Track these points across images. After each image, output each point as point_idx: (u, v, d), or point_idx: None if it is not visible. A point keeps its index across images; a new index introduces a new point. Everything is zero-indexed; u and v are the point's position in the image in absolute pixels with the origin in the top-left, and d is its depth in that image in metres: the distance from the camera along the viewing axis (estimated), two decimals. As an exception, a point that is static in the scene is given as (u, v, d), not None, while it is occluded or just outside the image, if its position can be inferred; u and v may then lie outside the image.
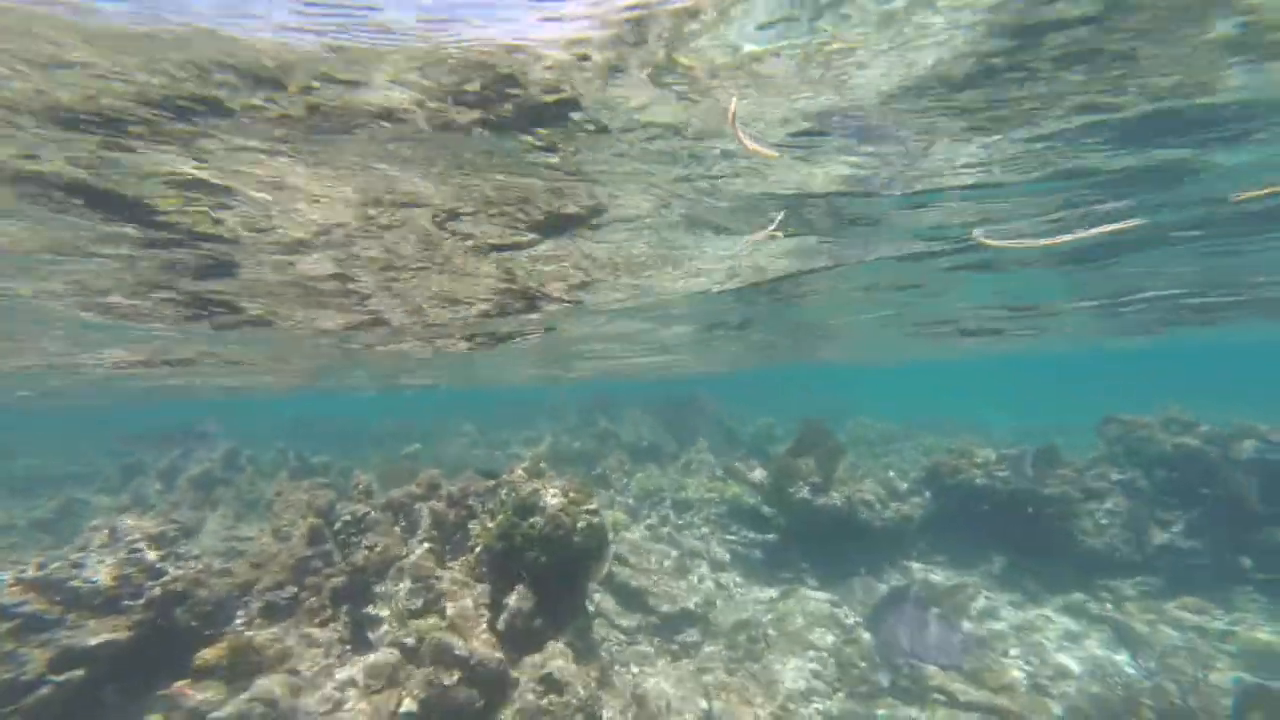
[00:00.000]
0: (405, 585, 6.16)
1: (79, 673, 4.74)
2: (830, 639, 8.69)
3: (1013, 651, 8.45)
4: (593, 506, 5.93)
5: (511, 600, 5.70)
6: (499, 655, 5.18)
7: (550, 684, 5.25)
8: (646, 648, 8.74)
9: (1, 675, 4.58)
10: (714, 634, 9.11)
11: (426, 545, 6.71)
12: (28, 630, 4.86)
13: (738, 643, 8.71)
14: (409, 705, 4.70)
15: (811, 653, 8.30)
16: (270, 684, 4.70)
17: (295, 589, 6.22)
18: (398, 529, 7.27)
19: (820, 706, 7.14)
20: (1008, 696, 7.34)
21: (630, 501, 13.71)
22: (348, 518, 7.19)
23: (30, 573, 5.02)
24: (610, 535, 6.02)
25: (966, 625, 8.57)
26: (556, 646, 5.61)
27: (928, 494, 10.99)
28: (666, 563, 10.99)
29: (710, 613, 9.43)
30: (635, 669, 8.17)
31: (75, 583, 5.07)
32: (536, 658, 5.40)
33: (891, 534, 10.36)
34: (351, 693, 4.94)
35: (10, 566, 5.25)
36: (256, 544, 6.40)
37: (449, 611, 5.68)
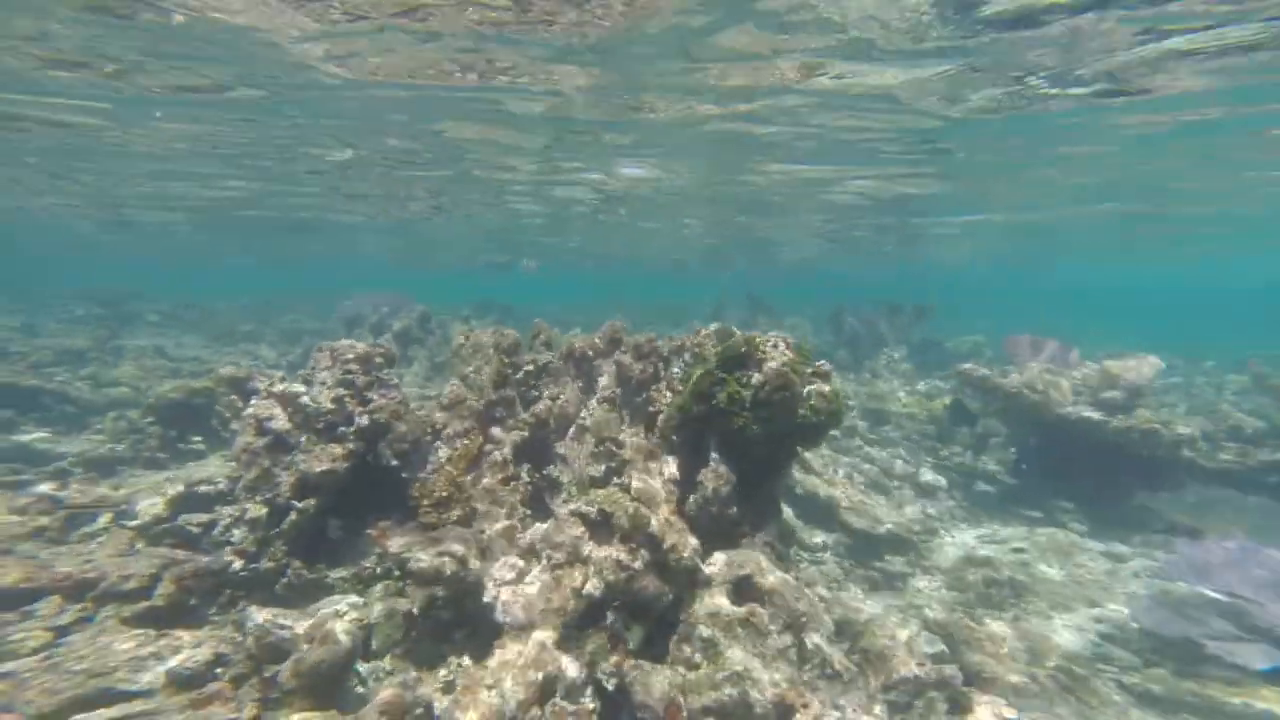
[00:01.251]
0: (586, 447, 5.38)
1: (312, 501, 4.70)
2: (1120, 597, 6.33)
3: None
4: (828, 369, 4.37)
5: (706, 479, 4.55)
6: (694, 543, 4.11)
7: (749, 589, 4.10)
8: (836, 570, 7.36)
9: (266, 494, 4.66)
10: (930, 569, 7.37)
11: (607, 404, 5.86)
12: (277, 449, 4.93)
13: (967, 583, 6.87)
14: (592, 586, 3.88)
15: (1095, 610, 6.14)
16: (460, 543, 4.19)
17: (481, 438, 5.83)
18: (577, 385, 6.55)
19: (1127, 681, 5.10)
20: None
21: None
22: (529, 367, 6.62)
23: (276, 386, 5.03)
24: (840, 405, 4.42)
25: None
26: (755, 545, 4.41)
27: None
28: (857, 477, 9.28)
29: (924, 542, 7.64)
30: (824, 592, 6.88)
31: (305, 399, 5.00)
32: (733, 555, 4.26)
33: (1235, 485, 7.25)
34: (533, 563, 4.30)
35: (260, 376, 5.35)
36: (446, 389, 6.07)
37: (633, 484, 4.74)
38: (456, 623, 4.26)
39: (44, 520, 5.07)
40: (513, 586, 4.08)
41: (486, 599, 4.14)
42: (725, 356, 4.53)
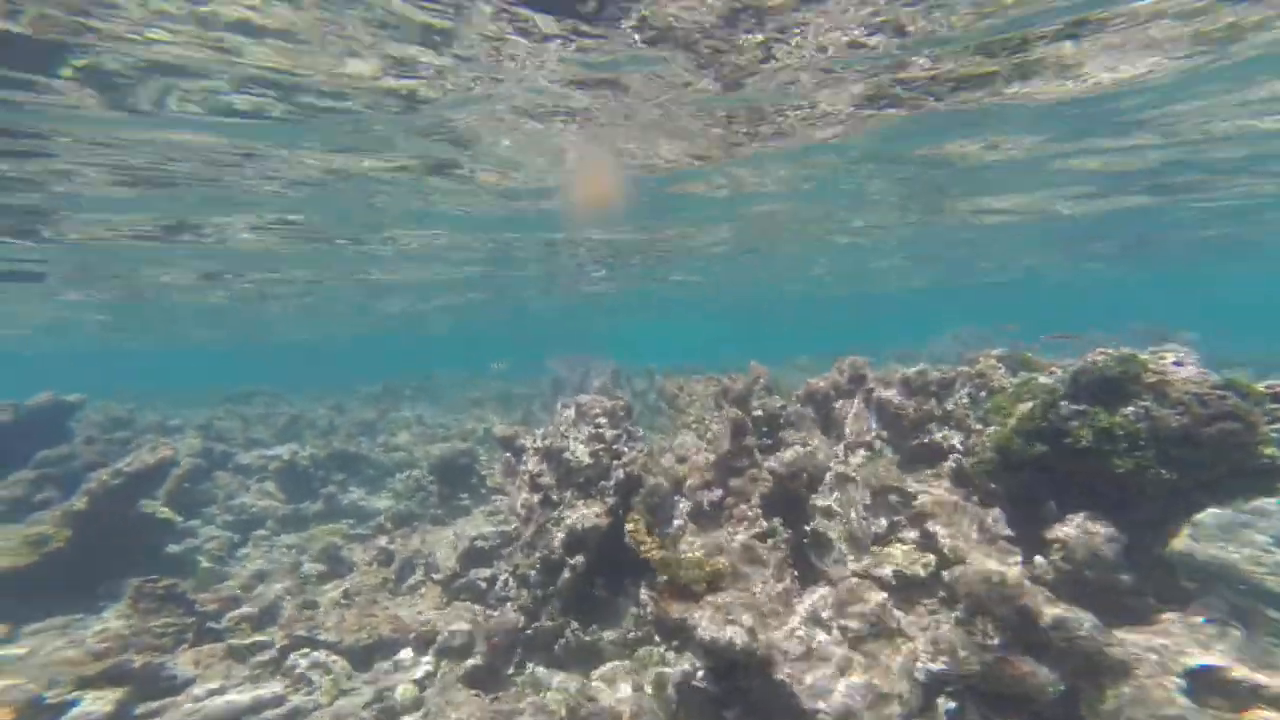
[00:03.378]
0: (858, 498, 4.51)
1: (581, 558, 4.72)
2: None
3: None
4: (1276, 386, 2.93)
5: (1072, 538, 3.32)
6: (1088, 617, 2.93)
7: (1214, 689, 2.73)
8: None
9: (541, 550, 4.85)
10: None
11: (867, 449, 4.94)
12: (546, 505, 5.14)
13: None
14: (940, 665, 2.95)
15: None
16: (748, 611, 3.68)
17: (722, 492, 5.38)
18: (818, 429, 5.76)
19: None
20: None
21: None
22: (759, 413, 6.05)
23: (539, 441, 5.31)
24: None
25: None
26: (1198, 627, 3.01)
27: None
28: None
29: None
30: None
31: (566, 455, 5.15)
32: (1153, 638, 2.93)
33: None
34: (819, 633, 3.55)
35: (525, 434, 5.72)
36: (673, 441, 5.84)
37: (945, 544, 3.72)
38: (726, 700, 3.69)
39: (386, 573, 5.94)
40: (813, 664, 3.35)
41: (780, 677, 3.48)
42: (1082, 384, 3.35)
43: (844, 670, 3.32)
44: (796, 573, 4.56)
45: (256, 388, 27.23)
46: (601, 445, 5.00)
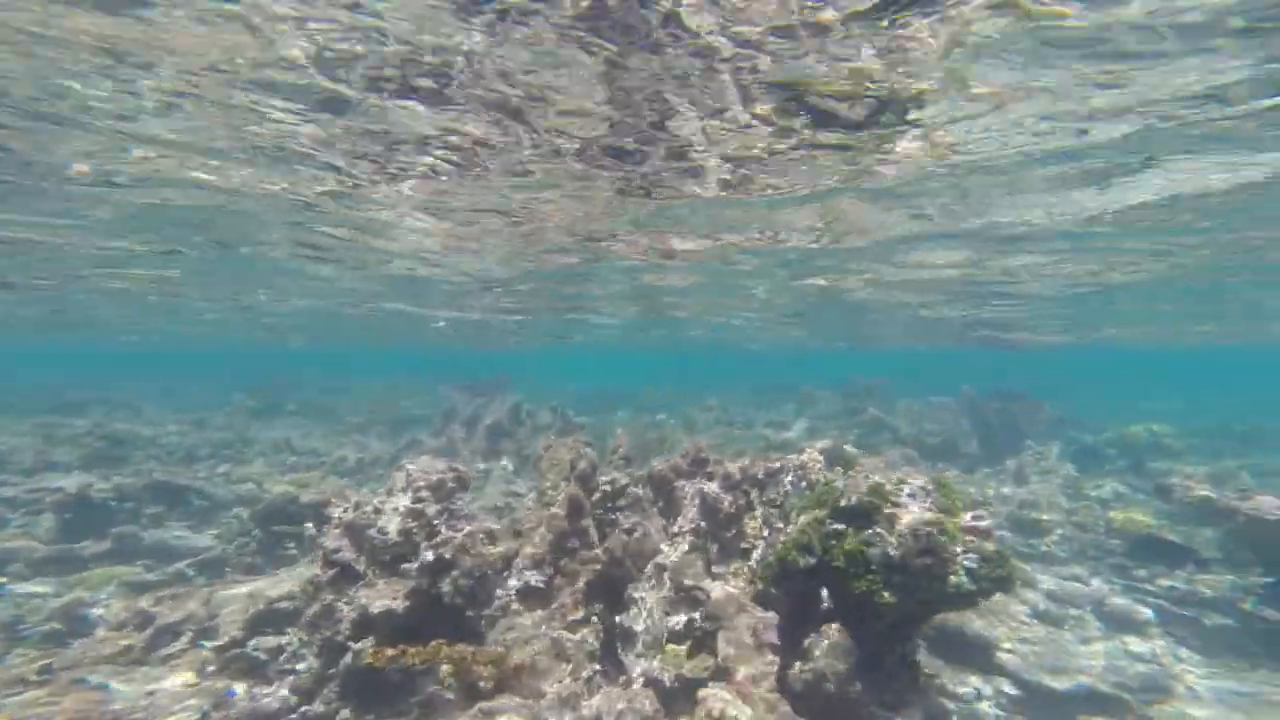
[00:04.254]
0: (664, 594, 4.58)
1: (370, 641, 4.38)
2: None
3: None
4: (987, 525, 3.31)
5: (818, 652, 3.54)
6: None
7: None
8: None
9: (325, 631, 4.45)
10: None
11: (689, 541, 5.07)
12: (344, 580, 4.76)
13: None
14: None
15: None
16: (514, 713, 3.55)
17: (551, 572, 5.27)
18: (656, 509, 5.85)
19: None
20: None
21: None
22: (607, 488, 6.07)
23: (346, 514, 4.94)
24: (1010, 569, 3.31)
25: None
26: None
27: None
28: (1018, 606, 7.38)
29: (1144, 703, 5.62)
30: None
31: (373, 531, 4.83)
32: None
33: None
34: None
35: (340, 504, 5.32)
36: (523, 507, 5.70)
37: (721, 649, 3.84)
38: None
39: (133, 639, 5.18)
40: None
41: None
42: (843, 508, 3.64)
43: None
44: (600, 668, 4.53)
45: (104, 394, 23.85)
46: (416, 523, 4.76)
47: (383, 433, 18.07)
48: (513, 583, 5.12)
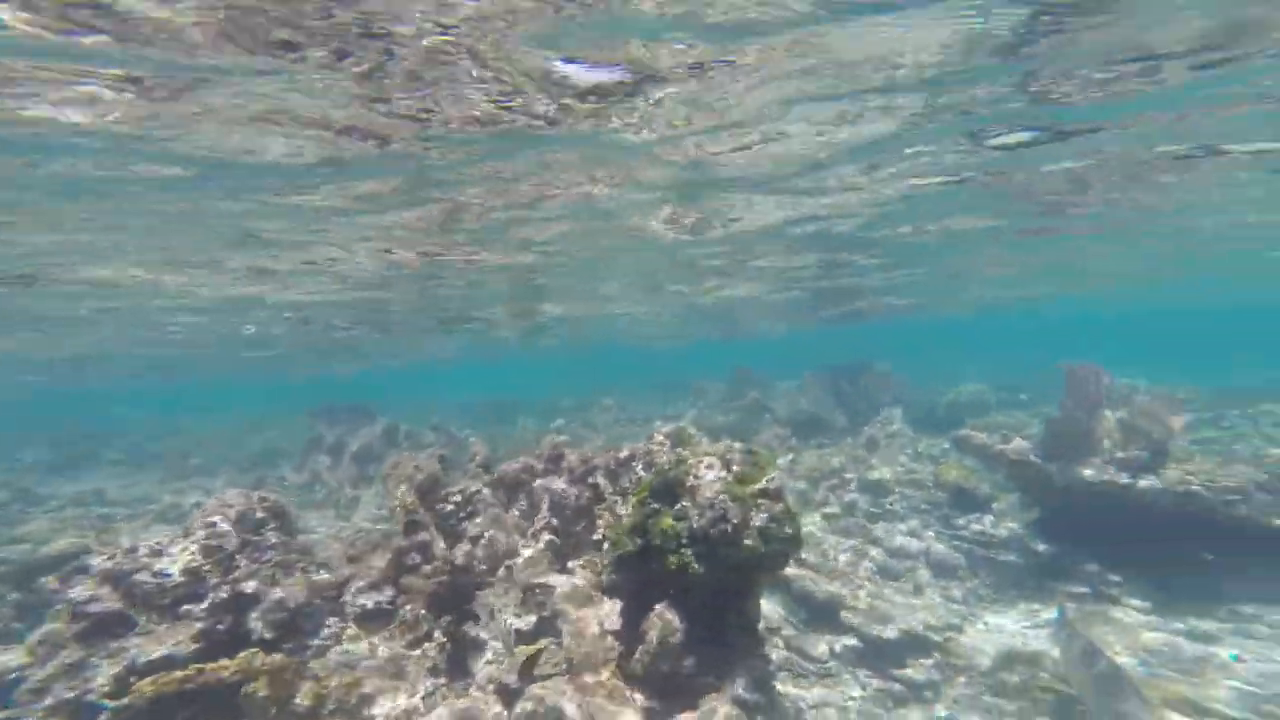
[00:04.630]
0: (513, 597, 4.48)
1: (146, 694, 3.75)
2: (1224, 693, 5.10)
3: None
4: (770, 484, 3.60)
5: (651, 631, 3.65)
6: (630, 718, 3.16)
7: None
8: (853, 688, 6.16)
9: (65, 691, 3.74)
10: (963, 671, 6.17)
11: (544, 540, 5.02)
12: (101, 633, 4.05)
13: (1009, 687, 5.68)
14: None
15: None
16: None
17: (393, 592, 4.94)
18: (514, 513, 5.72)
19: None
20: None
21: (799, 484, 11.03)
22: (458, 498, 5.83)
23: (106, 562, 4.22)
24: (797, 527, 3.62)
25: None
26: (721, 700, 3.44)
27: None
28: (865, 563, 8.20)
29: (950, 639, 6.47)
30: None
31: (145, 575, 4.17)
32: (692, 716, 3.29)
33: None
34: None
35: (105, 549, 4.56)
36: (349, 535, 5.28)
37: (566, 641, 3.83)
38: None
39: None
40: None
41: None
42: (655, 485, 3.78)
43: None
44: (444, 682, 4.31)
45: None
46: (209, 560, 4.22)
47: (233, 473, 16.00)
48: (349, 608, 4.74)
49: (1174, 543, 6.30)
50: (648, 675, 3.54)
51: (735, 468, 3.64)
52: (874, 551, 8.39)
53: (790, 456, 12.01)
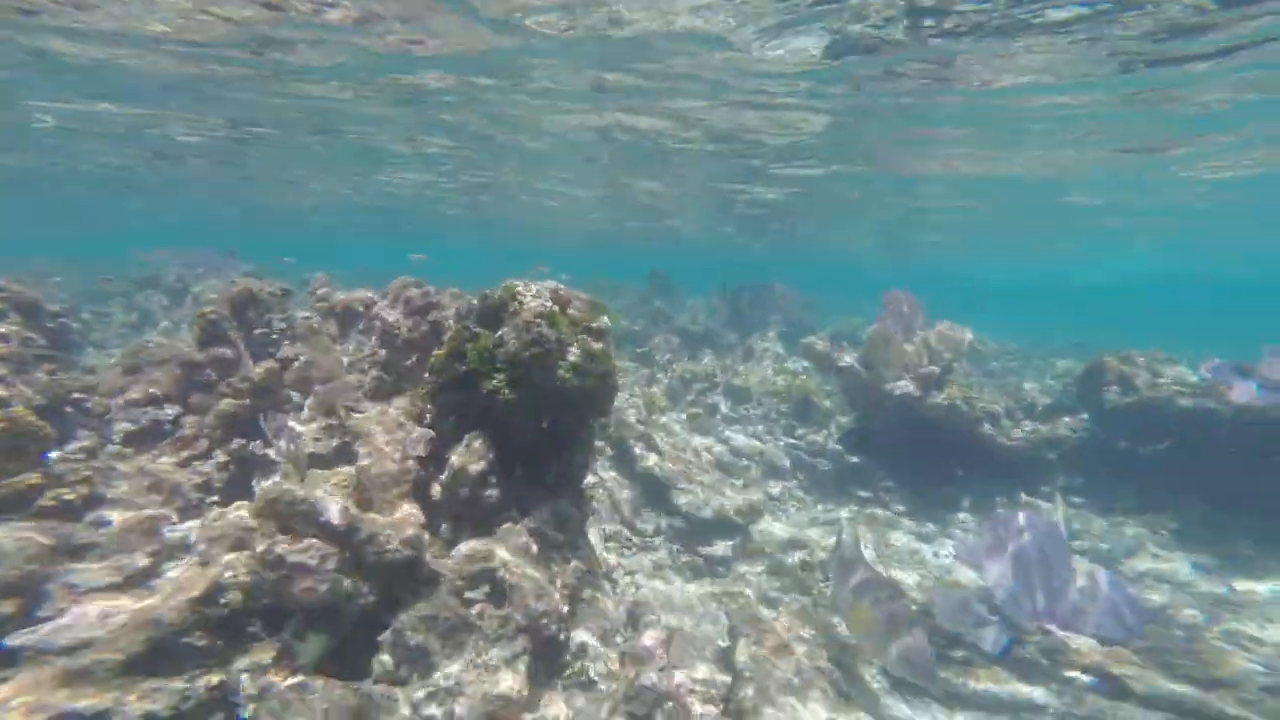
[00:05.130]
0: (317, 422, 4.14)
1: None
2: (914, 579, 6.31)
3: (1216, 630, 5.64)
4: (600, 325, 3.49)
5: (455, 456, 3.55)
6: (409, 534, 3.10)
7: (488, 584, 3.20)
8: (663, 555, 6.76)
9: None
10: (755, 552, 7.00)
11: (371, 373, 4.64)
12: None
13: (784, 567, 6.54)
14: (232, 581, 2.72)
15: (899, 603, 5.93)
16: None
17: (180, 409, 4.38)
18: (347, 347, 5.25)
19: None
20: (1229, 696, 4.59)
21: (674, 383, 11.46)
22: (282, 324, 5.22)
23: None
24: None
25: (1130, 589, 5.79)
26: (514, 531, 3.51)
27: (1085, 415, 7.85)
28: (707, 457, 8.81)
29: (755, 524, 7.25)
30: (647, 582, 6.23)
31: None
32: (477, 544, 3.32)
33: (1022, 461, 7.50)
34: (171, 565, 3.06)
35: None
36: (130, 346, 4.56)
37: (360, 463, 3.63)
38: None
39: None
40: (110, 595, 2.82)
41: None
42: (480, 309, 3.52)
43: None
44: (215, 500, 4.00)
45: None
46: None
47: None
48: (117, 424, 4.16)
49: (942, 456, 7.38)
50: (445, 502, 3.48)
51: (566, 305, 3.47)
52: (719, 448, 9.02)
53: (671, 359, 12.39)
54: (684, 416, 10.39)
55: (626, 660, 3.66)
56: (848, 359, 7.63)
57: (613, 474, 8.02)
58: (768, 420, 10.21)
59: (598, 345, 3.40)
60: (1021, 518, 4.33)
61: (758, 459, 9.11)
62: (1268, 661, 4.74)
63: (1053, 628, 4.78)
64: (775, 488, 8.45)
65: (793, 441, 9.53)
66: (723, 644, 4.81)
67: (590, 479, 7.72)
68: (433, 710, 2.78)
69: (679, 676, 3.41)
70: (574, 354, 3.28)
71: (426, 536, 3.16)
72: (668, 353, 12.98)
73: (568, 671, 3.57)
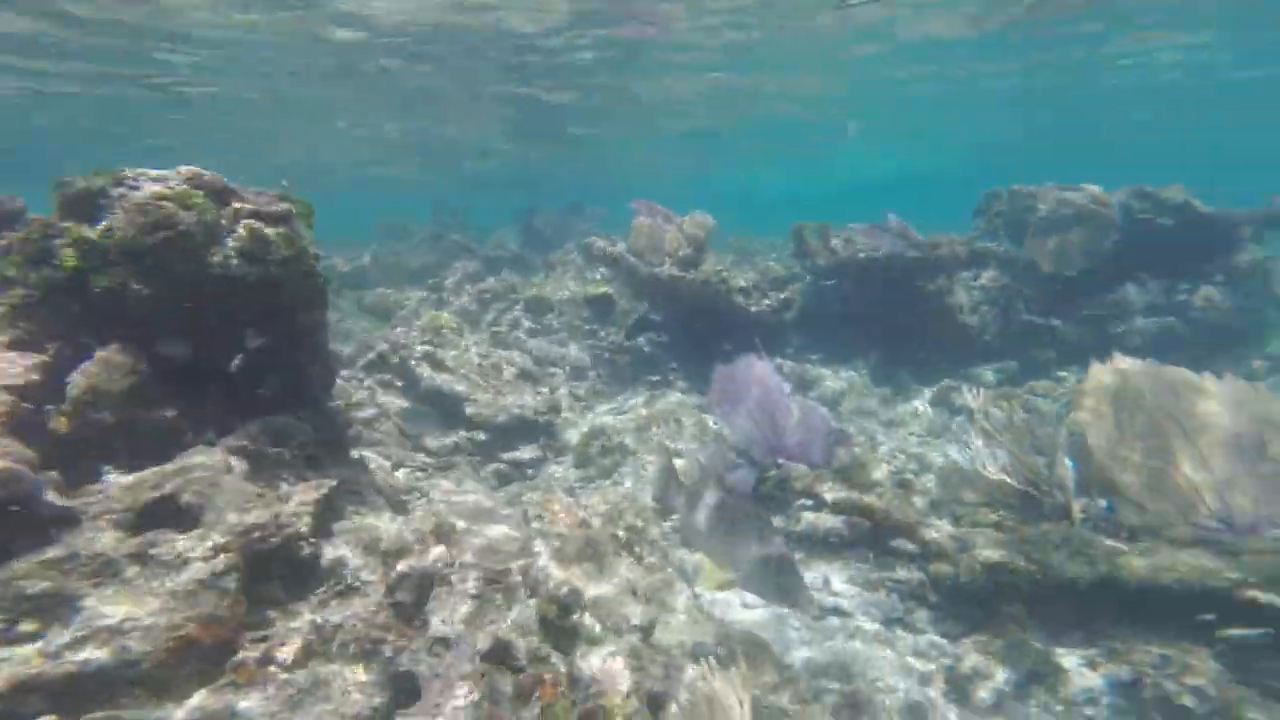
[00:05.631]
0: None
1: None
2: (695, 446, 7.14)
3: (882, 448, 7.46)
4: (278, 210, 2.89)
5: (80, 375, 2.78)
6: None
7: (172, 510, 2.69)
8: (464, 469, 6.61)
9: None
10: (560, 449, 7.22)
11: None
12: None
13: (588, 457, 6.88)
14: None
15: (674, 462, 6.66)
16: None
17: None
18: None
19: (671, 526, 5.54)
20: (875, 494, 6.20)
21: (471, 305, 10.85)
22: None
23: None
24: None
25: (833, 420, 7.31)
26: (204, 451, 2.95)
27: (809, 279, 9.36)
28: (510, 370, 8.65)
29: (557, 423, 7.43)
30: (444, 498, 6.03)
31: None
32: (147, 473, 2.73)
33: (767, 327, 8.70)
34: None
35: None
36: None
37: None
38: None
39: None
40: None
41: None
42: (66, 199, 2.63)
43: None
44: None
45: None
46: None
47: None
48: None
49: (710, 332, 8.26)
50: (73, 431, 2.73)
51: (239, 204, 2.77)
52: (520, 359, 8.90)
53: (459, 278, 11.70)
54: (486, 337, 9.98)
55: (390, 558, 3.46)
56: (619, 247, 7.89)
57: (401, 402, 7.47)
58: (569, 328, 10.31)
59: (276, 230, 2.82)
60: (740, 364, 4.94)
61: (562, 363, 9.22)
62: (902, 465, 6.48)
63: (783, 461, 5.75)
64: (580, 388, 8.68)
65: (593, 343, 9.80)
66: (517, 534, 4.89)
67: (371, 411, 7.09)
68: (88, 653, 2.28)
69: (437, 550, 3.31)
70: (238, 238, 2.67)
71: (36, 474, 2.46)
72: (464, 280, 12.18)
73: (321, 588, 3.27)
